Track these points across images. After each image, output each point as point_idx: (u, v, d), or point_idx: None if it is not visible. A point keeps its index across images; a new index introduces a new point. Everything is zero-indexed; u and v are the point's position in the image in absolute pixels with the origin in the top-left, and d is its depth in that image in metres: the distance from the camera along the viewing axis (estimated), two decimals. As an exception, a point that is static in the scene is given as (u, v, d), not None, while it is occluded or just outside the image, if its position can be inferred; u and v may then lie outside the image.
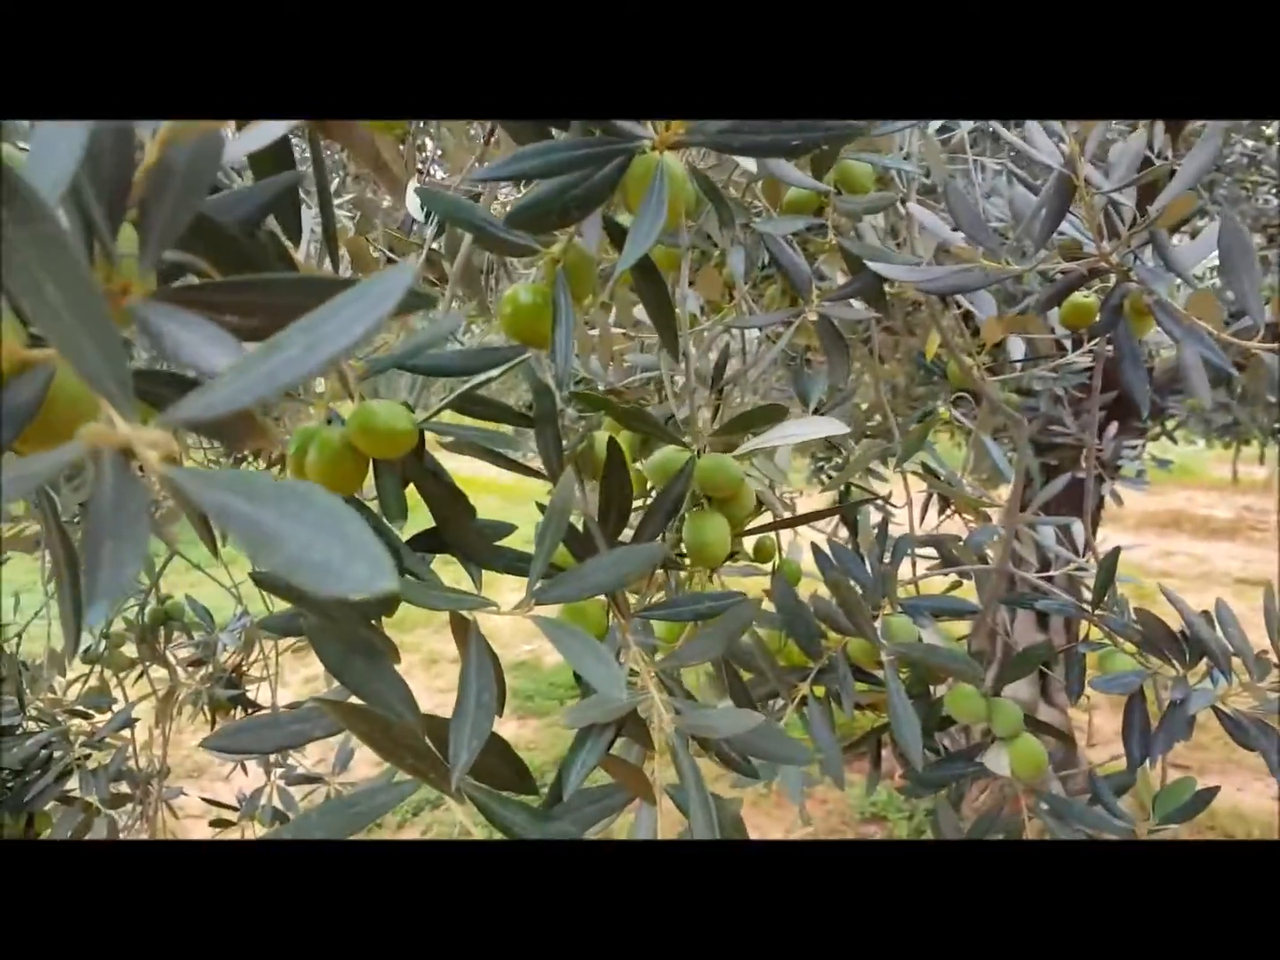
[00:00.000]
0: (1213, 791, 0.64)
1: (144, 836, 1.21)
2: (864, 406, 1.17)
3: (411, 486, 0.46)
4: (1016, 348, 1.14)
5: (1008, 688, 0.72)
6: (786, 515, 1.00)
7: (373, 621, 0.43)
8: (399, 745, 0.36)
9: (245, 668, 1.44)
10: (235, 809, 1.26)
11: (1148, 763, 0.62)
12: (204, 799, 1.25)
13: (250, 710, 1.36)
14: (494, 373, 0.40)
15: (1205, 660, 0.65)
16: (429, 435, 0.46)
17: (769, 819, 3.40)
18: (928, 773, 0.63)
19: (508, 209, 0.43)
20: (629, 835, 0.50)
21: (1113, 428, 2.07)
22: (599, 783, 0.46)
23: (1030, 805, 0.63)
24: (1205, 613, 0.64)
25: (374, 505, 0.46)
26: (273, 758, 1.31)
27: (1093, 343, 1.14)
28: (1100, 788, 0.62)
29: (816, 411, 1.17)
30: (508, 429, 0.50)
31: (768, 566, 0.89)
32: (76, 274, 0.18)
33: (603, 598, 0.52)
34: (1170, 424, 3.14)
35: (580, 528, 0.49)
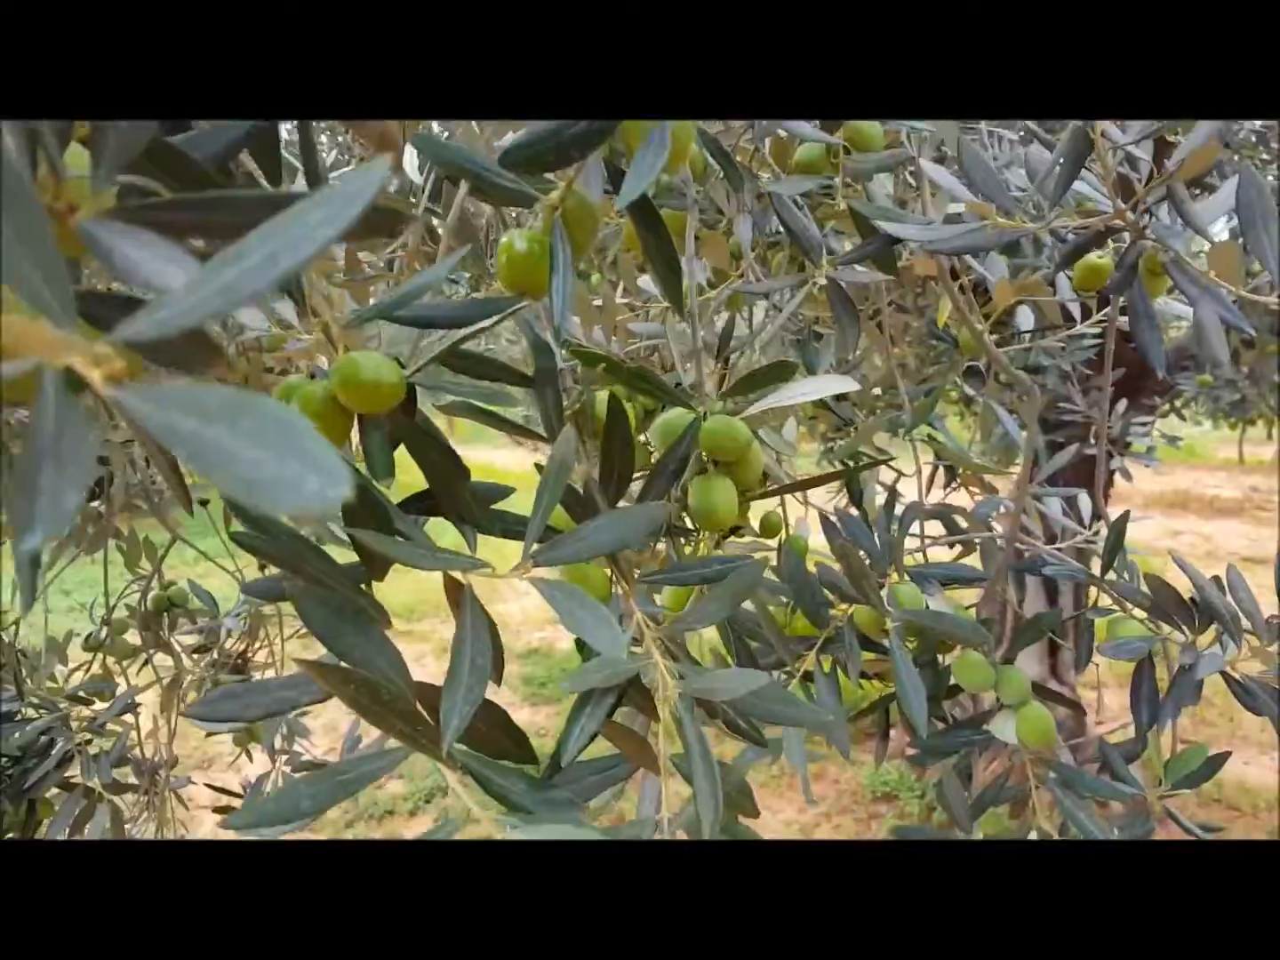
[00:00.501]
0: (1223, 757, 0.63)
1: (151, 826, 1.20)
2: (871, 379, 1.16)
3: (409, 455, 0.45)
4: (1026, 319, 1.12)
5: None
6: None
7: (362, 586, 0.41)
8: (388, 710, 0.34)
9: (250, 654, 1.43)
10: (240, 796, 1.25)
11: (1156, 729, 0.60)
12: (208, 785, 1.24)
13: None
14: (487, 323, 0.38)
15: (1215, 627, 0.64)
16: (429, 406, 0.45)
17: (781, 799, 3.40)
18: (935, 740, 0.62)
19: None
20: (634, 807, 0.48)
21: (1121, 404, 2.05)
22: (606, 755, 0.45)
23: (1038, 774, 0.61)
24: (1215, 578, 0.62)
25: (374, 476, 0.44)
26: (278, 744, 1.30)
27: (1102, 312, 1.12)
28: (1109, 754, 0.61)
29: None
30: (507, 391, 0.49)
31: (773, 542, 0.88)
32: (14, 183, 0.16)
33: (606, 567, 0.50)
34: (1179, 402, 3.12)
35: (581, 491, 0.47)
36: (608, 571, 0.47)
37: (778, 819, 3.28)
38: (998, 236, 0.66)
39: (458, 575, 0.40)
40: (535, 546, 0.41)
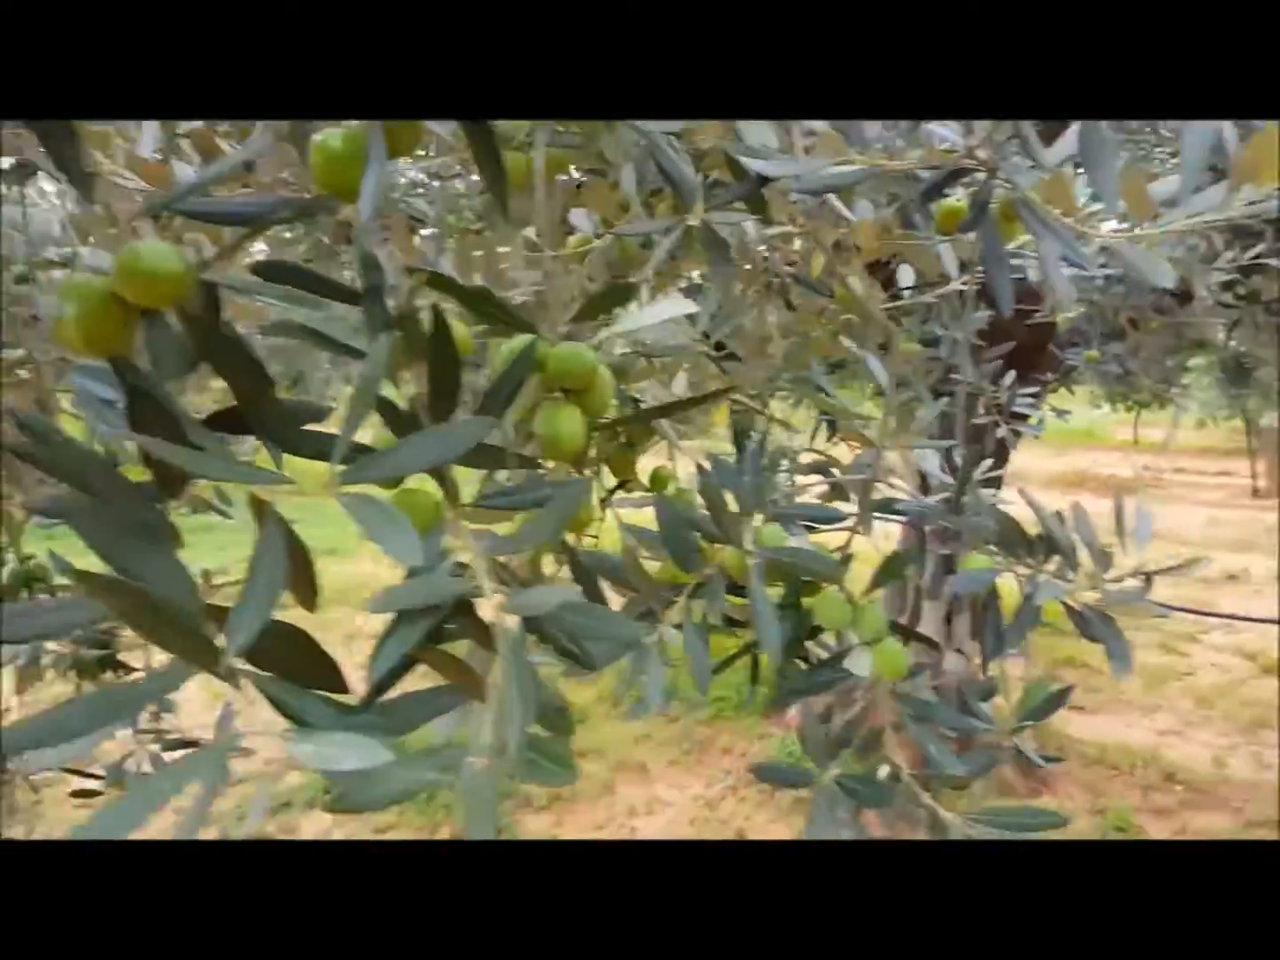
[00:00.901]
0: (1067, 691, 0.65)
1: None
2: (758, 335, 1.16)
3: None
4: (907, 276, 1.14)
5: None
6: (680, 444, 0.98)
7: (156, 504, 0.38)
8: (167, 626, 0.32)
9: (118, 629, 1.35)
10: (100, 778, 1.18)
11: (1008, 665, 0.62)
12: (65, 769, 1.17)
13: (121, 672, 1.27)
14: (275, 217, 0.36)
15: (1057, 559, 0.66)
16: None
17: (690, 775, 3.44)
18: (796, 680, 0.62)
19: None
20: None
21: (1009, 375, 2.12)
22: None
23: (892, 710, 0.62)
24: (1058, 513, 0.64)
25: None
26: (144, 721, 1.24)
27: (976, 270, 1.15)
28: (965, 691, 0.63)
29: (718, 347, 1.15)
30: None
31: (663, 497, 0.87)
32: None
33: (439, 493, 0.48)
34: (1069, 379, 3.25)
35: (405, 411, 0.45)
36: (437, 496, 0.45)
37: (686, 794, 3.31)
38: (864, 173, 0.66)
39: (258, 492, 0.37)
40: (343, 467, 0.39)
